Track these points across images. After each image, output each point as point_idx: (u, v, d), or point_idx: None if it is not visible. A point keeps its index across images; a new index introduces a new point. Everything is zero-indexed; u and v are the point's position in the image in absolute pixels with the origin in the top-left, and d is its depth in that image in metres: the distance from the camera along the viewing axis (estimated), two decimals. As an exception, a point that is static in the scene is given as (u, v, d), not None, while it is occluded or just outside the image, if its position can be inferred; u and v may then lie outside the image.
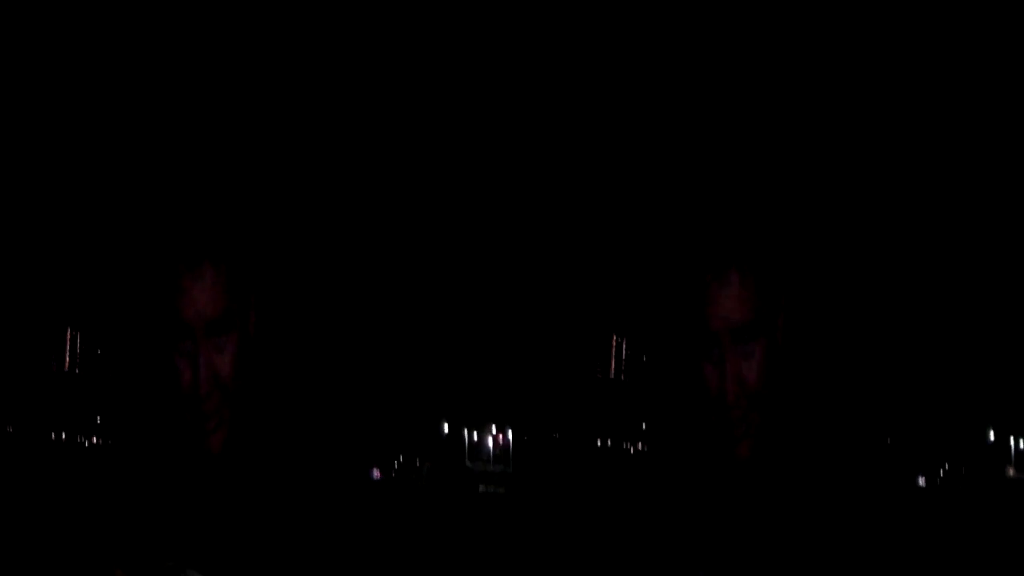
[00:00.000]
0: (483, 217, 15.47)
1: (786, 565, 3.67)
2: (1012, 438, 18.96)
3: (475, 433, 16.58)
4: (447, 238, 15.62)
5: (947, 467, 17.88)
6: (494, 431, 17.60)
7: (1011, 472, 18.76)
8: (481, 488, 17.47)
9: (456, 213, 15.10)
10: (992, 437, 18.54)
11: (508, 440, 16.87)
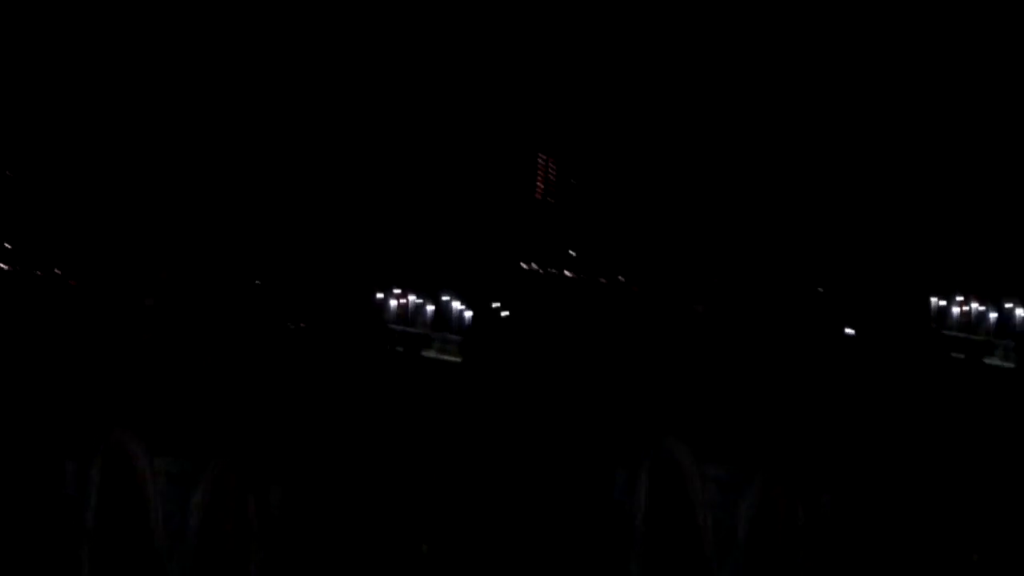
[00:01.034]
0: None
1: (727, 401, 3.89)
2: (935, 298, 19.42)
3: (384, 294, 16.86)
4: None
5: (873, 319, 18.33)
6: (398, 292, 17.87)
7: (933, 326, 19.31)
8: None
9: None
10: (917, 296, 19.00)
11: (413, 303, 17.17)
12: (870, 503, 8.31)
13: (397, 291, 16.38)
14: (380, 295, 16.56)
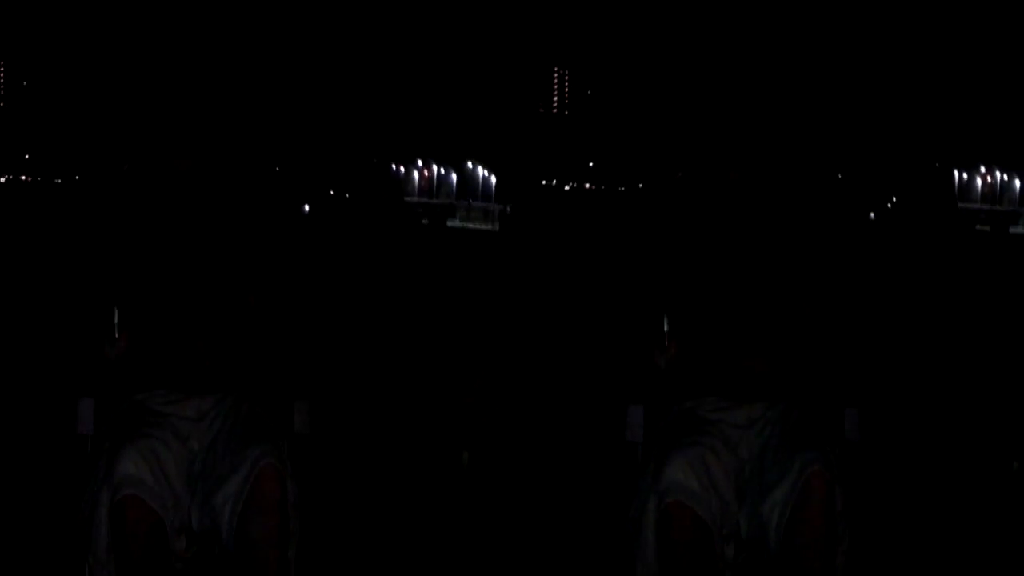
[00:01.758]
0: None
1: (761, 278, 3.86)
2: (956, 170, 19.29)
3: (403, 167, 16.65)
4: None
5: (896, 200, 18.23)
6: (420, 165, 17.67)
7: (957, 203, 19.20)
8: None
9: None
10: (937, 168, 18.90)
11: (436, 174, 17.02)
12: (901, 409, 8.28)
13: (419, 163, 16.19)
14: (402, 168, 16.38)
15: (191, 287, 3.95)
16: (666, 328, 3.98)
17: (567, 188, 16.93)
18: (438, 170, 16.82)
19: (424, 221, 16.22)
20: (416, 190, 16.98)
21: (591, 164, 17.21)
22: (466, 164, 16.56)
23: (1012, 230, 18.10)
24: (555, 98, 17.85)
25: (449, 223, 16.88)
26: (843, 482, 3.87)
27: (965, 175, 18.37)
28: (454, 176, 16.72)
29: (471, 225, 16.62)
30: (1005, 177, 18.28)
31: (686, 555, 3.78)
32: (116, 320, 3.92)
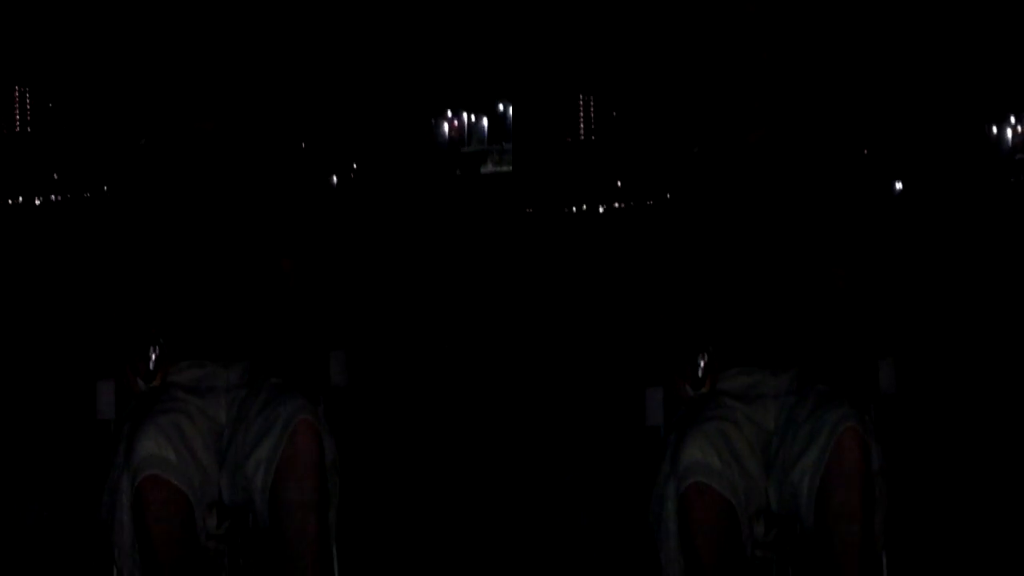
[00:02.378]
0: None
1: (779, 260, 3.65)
2: (986, 125, 19.03)
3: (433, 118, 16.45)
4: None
5: (925, 163, 17.95)
6: (450, 115, 17.48)
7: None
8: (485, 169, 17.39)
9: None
10: (961, 132, 18.64)
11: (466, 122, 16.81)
12: (940, 358, 7.99)
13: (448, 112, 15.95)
14: (432, 120, 16.13)
15: (217, 250, 3.67)
16: (703, 362, 3.68)
17: (600, 210, 16.75)
18: (468, 117, 16.58)
19: (457, 172, 16.04)
20: (446, 140, 16.73)
21: (619, 183, 17.03)
22: (497, 107, 16.28)
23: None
24: (581, 125, 17.60)
25: (483, 170, 16.63)
26: (880, 439, 3.58)
27: (995, 127, 18.03)
28: (485, 121, 16.45)
29: (504, 168, 16.37)
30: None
31: (708, 538, 3.47)
32: (154, 353, 3.62)
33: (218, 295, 3.68)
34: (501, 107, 15.95)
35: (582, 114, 16.96)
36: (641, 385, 3.82)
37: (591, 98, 16.94)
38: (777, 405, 3.70)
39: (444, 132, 15.70)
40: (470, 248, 13.65)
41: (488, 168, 16.11)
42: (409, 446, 6.38)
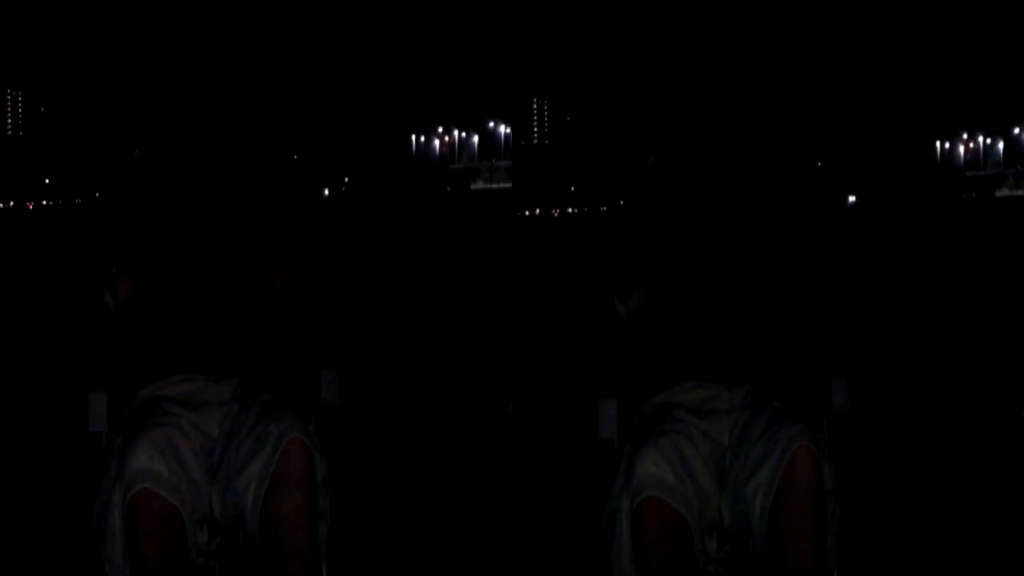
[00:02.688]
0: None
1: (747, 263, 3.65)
2: (937, 141, 19.10)
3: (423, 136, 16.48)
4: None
5: (877, 179, 18.02)
6: (440, 131, 17.48)
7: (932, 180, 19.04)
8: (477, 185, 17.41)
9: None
10: (913, 149, 18.70)
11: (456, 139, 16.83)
12: (892, 376, 8.03)
13: (439, 129, 15.94)
14: (422, 137, 16.11)
15: (210, 263, 3.66)
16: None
17: (554, 213, 16.74)
18: (459, 134, 16.55)
19: (447, 188, 16.01)
20: (437, 157, 16.67)
21: (572, 188, 17.00)
22: (487, 124, 16.26)
23: (998, 193, 17.87)
24: (535, 128, 17.56)
25: (473, 187, 16.58)
26: (832, 457, 3.58)
27: (947, 143, 18.11)
28: (476, 138, 16.42)
29: (495, 186, 16.34)
30: (988, 141, 18.03)
31: (661, 553, 3.47)
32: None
33: (211, 308, 3.67)
34: (492, 124, 15.99)
35: (535, 118, 16.98)
36: (595, 396, 3.82)
37: (545, 102, 16.95)
38: (731, 420, 3.70)
39: (435, 148, 15.72)
40: (463, 245, 13.71)
41: (478, 185, 16.14)
42: (397, 462, 6.37)
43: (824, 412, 3.79)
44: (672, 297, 3.73)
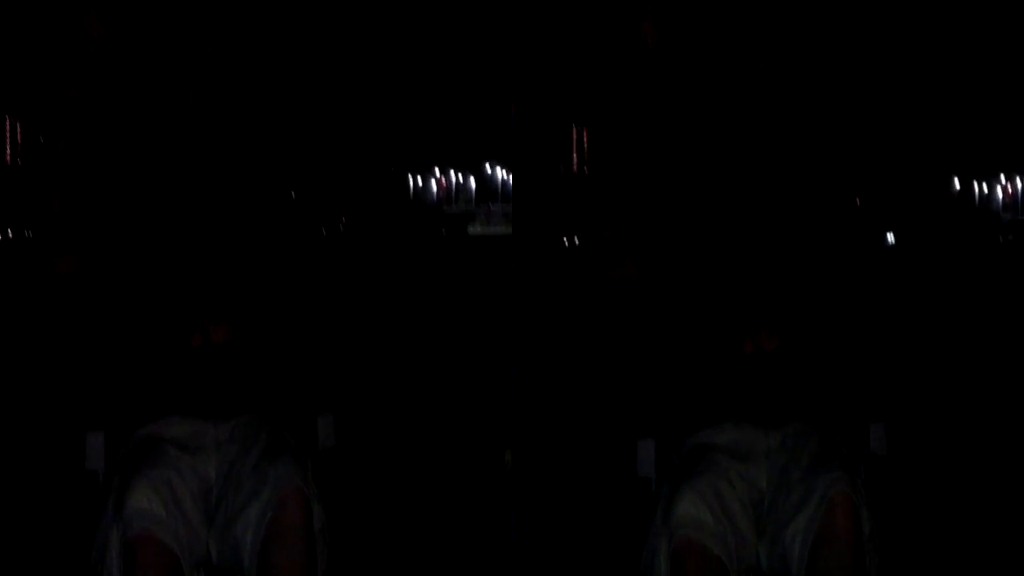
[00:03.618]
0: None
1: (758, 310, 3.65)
2: (975, 183, 19.07)
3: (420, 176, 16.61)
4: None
5: (915, 222, 17.99)
6: (437, 173, 17.54)
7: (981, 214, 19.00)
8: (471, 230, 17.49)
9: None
10: (956, 185, 18.66)
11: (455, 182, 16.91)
12: (931, 421, 7.99)
13: (436, 170, 15.97)
14: (418, 177, 16.12)
15: (206, 306, 3.67)
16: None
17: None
18: (456, 176, 16.62)
19: (443, 230, 16.08)
20: (434, 199, 16.74)
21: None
22: (484, 167, 16.33)
23: (1034, 237, 17.81)
24: (575, 156, 17.53)
25: (470, 230, 16.67)
26: (870, 504, 3.59)
27: (985, 186, 18.07)
28: (472, 181, 16.51)
29: (492, 230, 16.41)
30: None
31: None
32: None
33: (208, 350, 3.68)
34: (488, 167, 16.07)
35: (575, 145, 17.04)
36: (632, 436, 3.83)
37: (584, 129, 17.01)
38: (769, 464, 3.71)
39: (432, 191, 15.83)
40: (459, 297, 13.70)
41: (476, 229, 16.21)
42: (397, 507, 6.36)
43: (862, 457, 3.80)
44: (711, 338, 3.75)
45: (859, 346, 3.81)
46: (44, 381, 8.90)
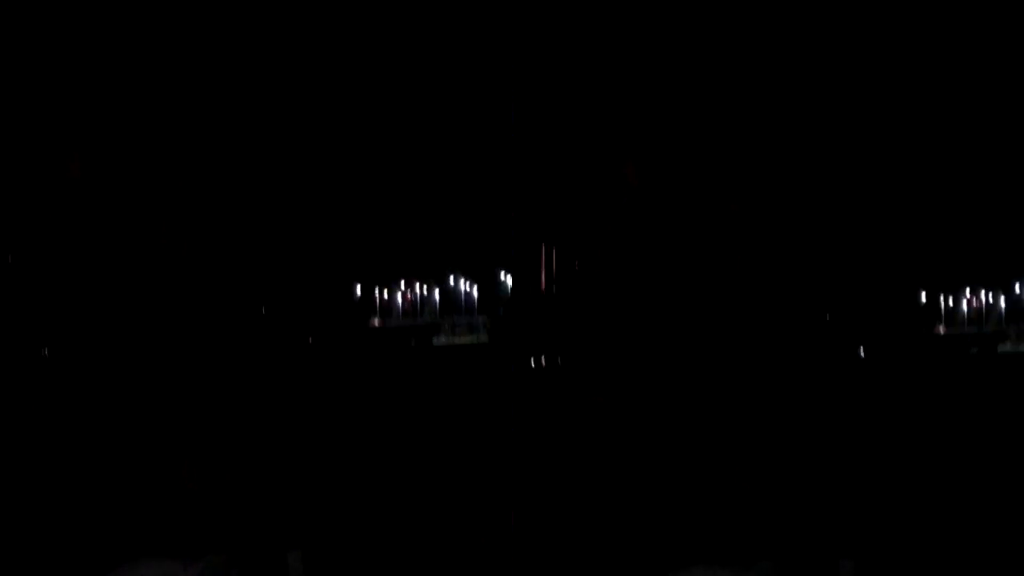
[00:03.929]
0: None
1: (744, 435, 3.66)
2: (942, 296, 19.15)
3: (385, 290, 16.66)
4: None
5: (883, 334, 18.05)
6: (403, 287, 17.62)
7: (942, 330, 18.97)
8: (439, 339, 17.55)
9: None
10: (923, 298, 18.74)
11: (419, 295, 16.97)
12: (900, 557, 8.00)
13: (397, 284, 16.05)
14: (380, 292, 16.18)
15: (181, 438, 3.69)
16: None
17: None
18: (420, 289, 16.80)
19: (412, 343, 16.24)
20: (399, 312, 16.87)
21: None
22: (448, 279, 16.48)
23: (1001, 349, 17.87)
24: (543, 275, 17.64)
25: (435, 341, 16.87)
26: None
27: (951, 300, 18.17)
28: (437, 293, 16.70)
29: (458, 340, 16.58)
30: (990, 297, 18.11)
31: None
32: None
33: (179, 488, 3.69)
34: (452, 279, 16.22)
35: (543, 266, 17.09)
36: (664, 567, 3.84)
37: (553, 249, 17.06)
38: None
39: (398, 304, 15.92)
40: (428, 403, 13.66)
41: (440, 340, 16.37)
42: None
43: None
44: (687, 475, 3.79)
45: (828, 477, 3.84)
46: (21, 525, 8.83)
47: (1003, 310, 18.52)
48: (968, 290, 18.75)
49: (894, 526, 8.66)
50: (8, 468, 9.40)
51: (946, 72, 14.60)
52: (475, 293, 17.32)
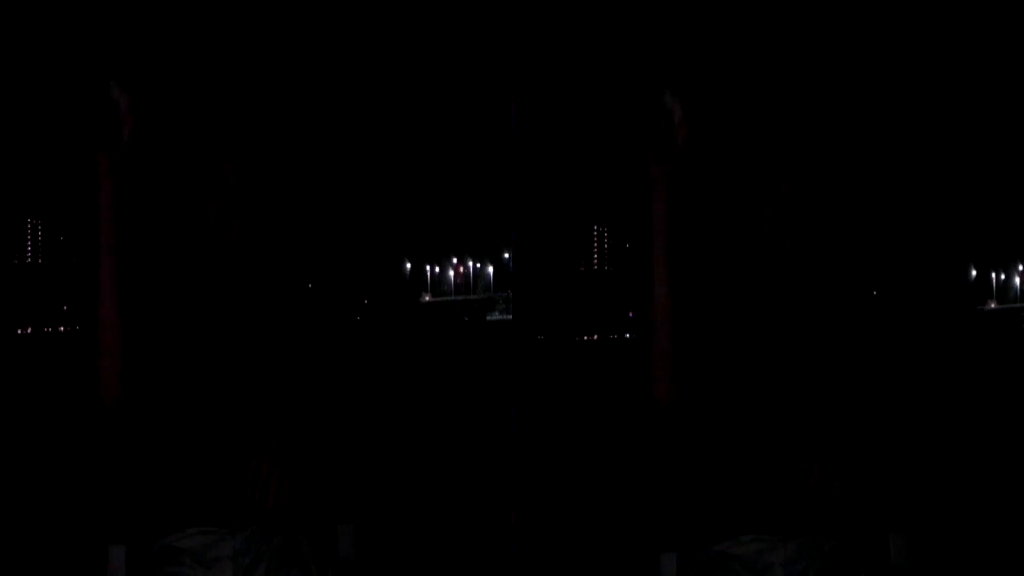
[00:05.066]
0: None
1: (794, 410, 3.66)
2: (992, 272, 19.07)
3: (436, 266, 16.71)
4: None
5: (932, 311, 18.00)
6: (455, 261, 17.62)
7: (992, 305, 18.92)
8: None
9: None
10: (973, 273, 18.68)
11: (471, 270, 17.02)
12: (953, 531, 7.96)
13: (454, 259, 16.04)
14: (436, 267, 16.16)
15: (223, 415, 3.69)
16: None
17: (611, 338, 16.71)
18: (473, 264, 16.77)
19: (465, 318, 16.23)
20: (452, 288, 16.85)
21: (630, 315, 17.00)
22: (503, 255, 16.43)
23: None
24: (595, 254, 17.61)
25: (489, 317, 16.88)
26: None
27: (1003, 275, 18.07)
28: (491, 269, 16.67)
29: (511, 316, 16.55)
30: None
31: None
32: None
33: (222, 459, 3.70)
34: (507, 255, 16.16)
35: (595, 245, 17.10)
36: (655, 549, 3.84)
37: (605, 229, 17.06)
38: (784, 574, 3.72)
39: (451, 279, 15.92)
40: (480, 382, 13.69)
41: (495, 316, 16.34)
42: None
43: (881, 569, 3.81)
44: (729, 445, 3.78)
45: (878, 451, 3.83)
46: (66, 492, 8.90)
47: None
48: (1021, 265, 18.74)
49: (945, 501, 8.64)
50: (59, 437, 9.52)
51: (999, 44, 14.52)
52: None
